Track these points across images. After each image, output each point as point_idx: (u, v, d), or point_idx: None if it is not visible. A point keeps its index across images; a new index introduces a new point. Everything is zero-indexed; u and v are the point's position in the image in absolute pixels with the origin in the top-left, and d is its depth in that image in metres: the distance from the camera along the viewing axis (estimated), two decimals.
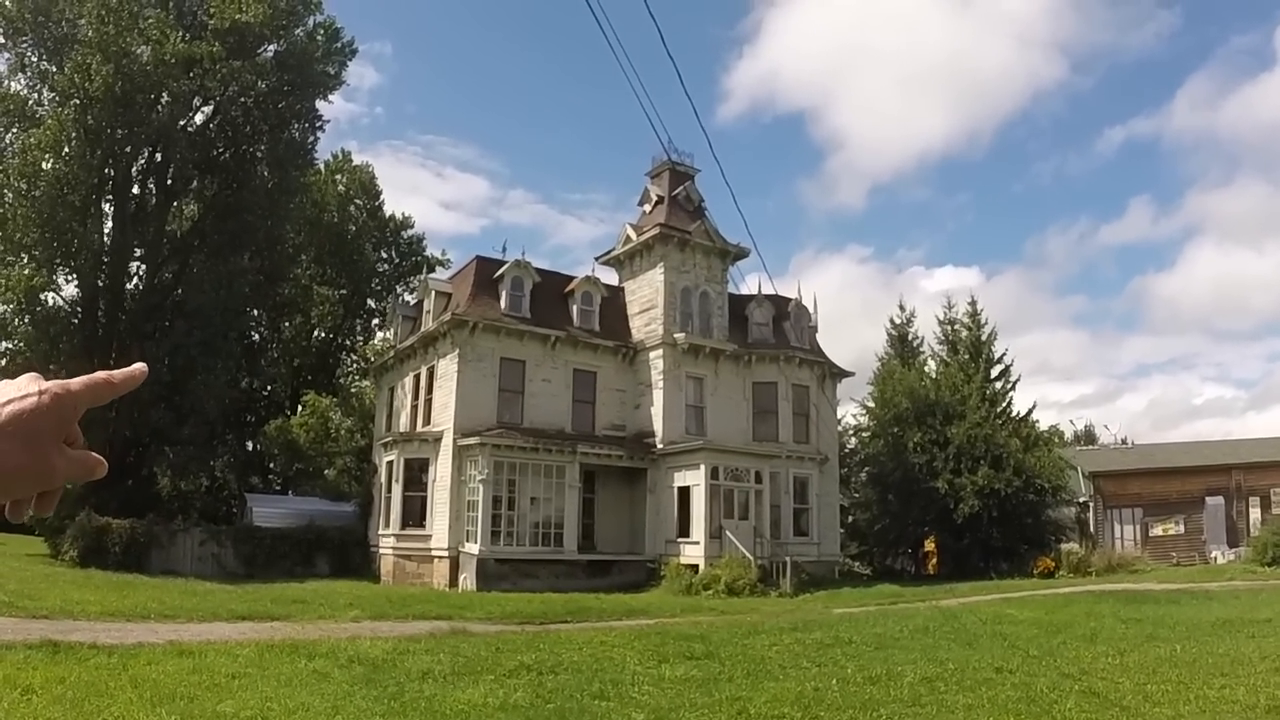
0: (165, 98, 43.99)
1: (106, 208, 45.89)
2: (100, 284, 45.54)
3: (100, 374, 1.32)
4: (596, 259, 47.35)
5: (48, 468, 1.23)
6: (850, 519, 54.91)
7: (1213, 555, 49.98)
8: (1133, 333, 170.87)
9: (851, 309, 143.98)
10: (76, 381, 1.28)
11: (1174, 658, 15.28)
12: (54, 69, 43.93)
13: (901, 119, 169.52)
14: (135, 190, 46.54)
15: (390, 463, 41.42)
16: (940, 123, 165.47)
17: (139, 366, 1.37)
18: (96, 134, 42.43)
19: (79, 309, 46.52)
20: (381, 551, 40.98)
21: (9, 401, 1.20)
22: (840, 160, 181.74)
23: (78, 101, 42.07)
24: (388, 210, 68.78)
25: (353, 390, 62.57)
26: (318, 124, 50.70)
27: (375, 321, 67.73)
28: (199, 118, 47.44)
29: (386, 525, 41.01)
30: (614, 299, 44.93)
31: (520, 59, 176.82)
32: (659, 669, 14.15)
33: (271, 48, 47.71)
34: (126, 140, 43.61)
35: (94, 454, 1.33)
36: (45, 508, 1.33)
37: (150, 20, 43.71)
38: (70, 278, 46.28)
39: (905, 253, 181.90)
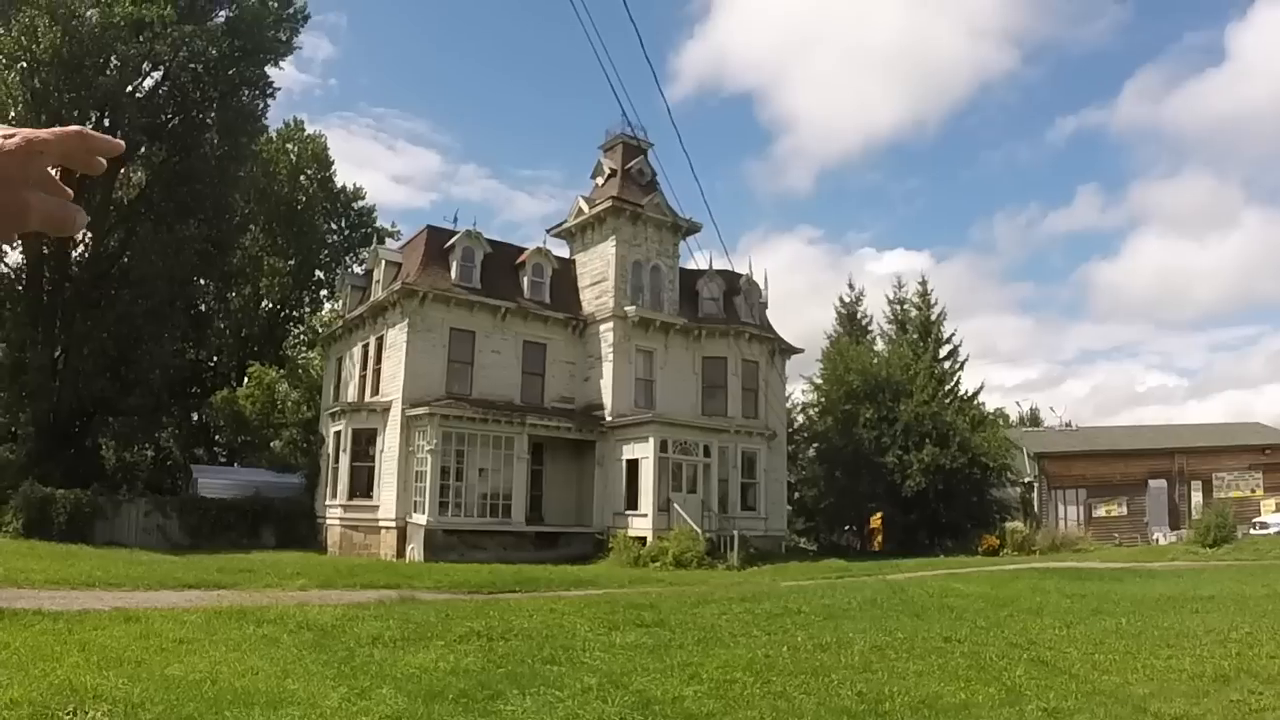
0: (114, 61, 43.27)
1: (52, 172, 45.06)
2: (45, 250, 44.80)
3: (74, 127, 1.33)
4: (548, 231, 47.32)
5: (19, 203, 1.26)
6: (797, 495, 55.29)
7: (1155, 537, 50.78)
8: (1078, 320, 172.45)
9: (800, 289, 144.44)
10: (46, 130, 1.30)
11: (1120, 630, 15.46)
12: (0, 30, 43.13)
13: (851, 103, 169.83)
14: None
15: (338, 433, 41.24)
16: (889, 108, 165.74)
17: (119, 142, 1.38)
18: (43, 97, 41.67)
19: (23, 275, 45.86)
20: (329, 522, 40.84)
21: None
22: (789, 143, 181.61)
23: (24, 64, 41.33)
24: (339, 181, 68.24)
25: (300, 361, 62.09)
26: (268, 91, 49.96)
27: (324, 293, 67.14)
28: (148, 83, 46.54)
29: (334, 496, 40.85)
30: (565, 271, 44.86)
31: (475, 33, 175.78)
32: (609, 636, 14.16)
33: (223, 13, 46.96)
34: (74, 104, 42.83)
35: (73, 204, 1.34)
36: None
37: None
38: (15, 244, 45.50)
39: (855, 235, 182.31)
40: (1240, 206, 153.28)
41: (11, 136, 1.25)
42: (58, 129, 1.31)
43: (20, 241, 44.17)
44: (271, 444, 55.27)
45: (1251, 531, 44.23)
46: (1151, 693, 10.51)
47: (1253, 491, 53.75)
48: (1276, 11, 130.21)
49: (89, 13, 42.49)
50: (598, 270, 43.90)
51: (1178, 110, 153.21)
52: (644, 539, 36.34)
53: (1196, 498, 53.79)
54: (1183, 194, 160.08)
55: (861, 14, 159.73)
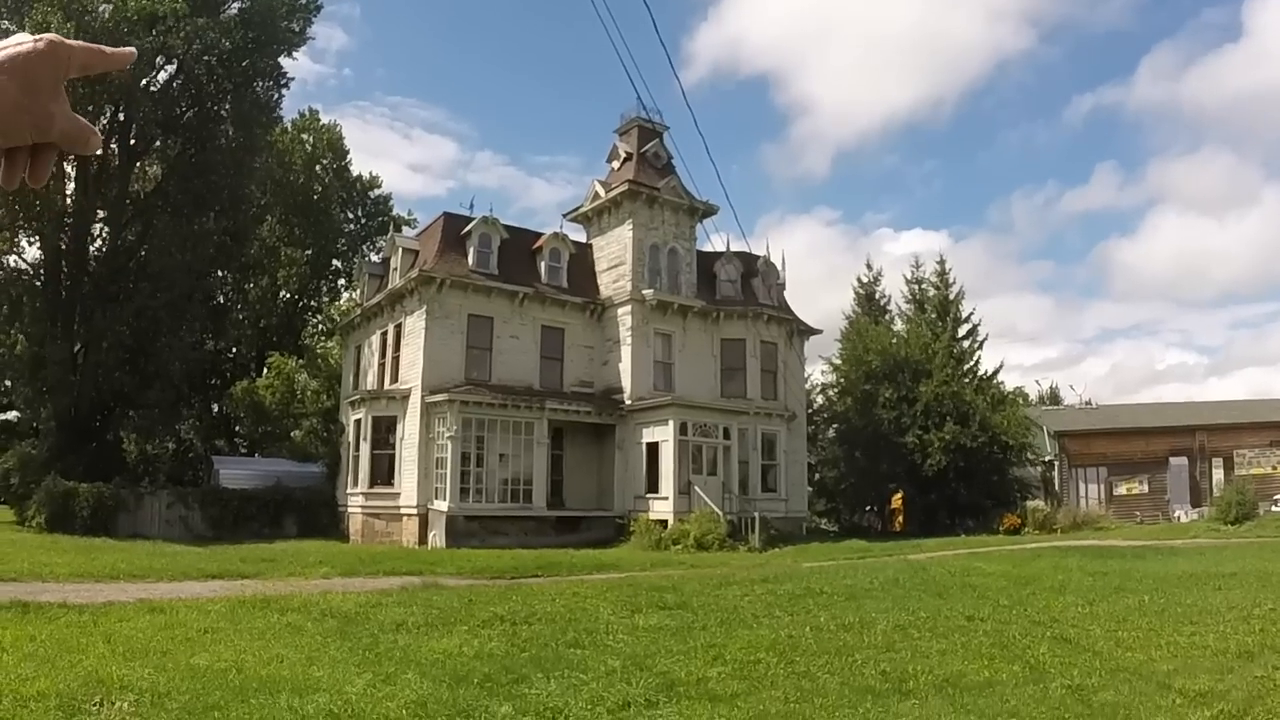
0: None
1: (68, 168, 45.18)
2: (62, 246, 44.96)
3: (94, 45, 1.37)
4: (565, 215, 47.28)
5: (45, 112, 1.29)
6: (817, 476, 55.23)
7: (1176, 514, 50.55)
8: (1096, 298, 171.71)
9: (817, 273, 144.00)
10: (74, 42, 1.33)
11: (1143, 607, 15.41)
12: (14, 27, 43.14)
13: (867, 85, 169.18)
14: (98, 150, 45.75)
15: (358, 421, 41.30)
16: (906, 90, 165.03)
17: (130, 50, 1.44)
18: None
19: (41, 271, 46.00)
20: (350, 511, 40.96)
21: (6, 46, 1.26)
22: (805, 126, 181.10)
23: None
24: (355, 171, 68.31)
25: (319, 351, 62.21)
26: (282, 82, 50.00)
27: (341, 282, 67.27)
28: (162, 76, 46.57)
29: (355, 484, 40.94)
30: (582, 256, 44.80)
31: (490, 19, 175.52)
32: (632, 618, 14.19)
33: (235, 4, 46.94)
34: (88, 99, 42.85)
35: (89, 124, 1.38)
36: (40, 172, 1.38)
37: None
38: (32, 240, 45.74)
39: (872, 216, 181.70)
40: (1260, 184, 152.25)
41: (41, 40, 1.28)
42: (82, 42, 1.35)
43: (38, 237, 44.55)
44: (292, 434, 55.41)
45: (1273, 508, 44.00)
46: (1175, 669, 10.48)
47: (1274, 468, 53.52)
48: None
49: (102, 7, 42.57)
50: (615, 254, 43.84)
51: (1196, 88, 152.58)
52: (665, 522, 36.32)
53: (1218, 475, 53.49)
54: (1201, 172, 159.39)
55: None
